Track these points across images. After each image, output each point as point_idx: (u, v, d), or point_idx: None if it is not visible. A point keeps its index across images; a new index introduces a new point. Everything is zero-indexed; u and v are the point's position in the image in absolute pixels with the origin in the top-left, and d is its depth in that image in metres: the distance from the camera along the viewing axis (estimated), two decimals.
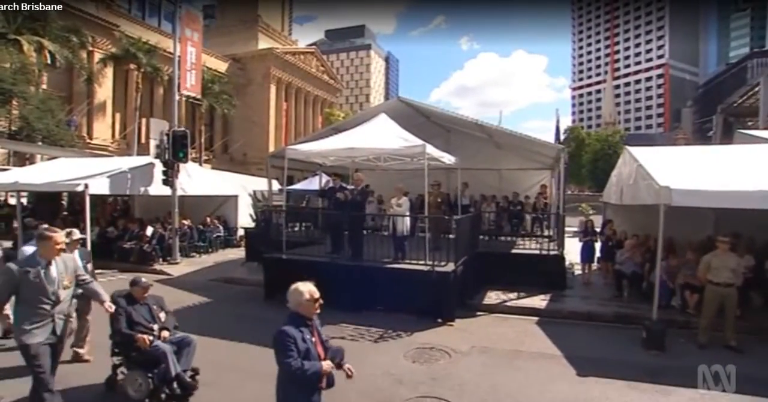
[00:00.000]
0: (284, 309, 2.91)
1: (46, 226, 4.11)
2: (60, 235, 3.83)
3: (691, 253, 7.81)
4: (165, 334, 4.51)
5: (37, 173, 13.18)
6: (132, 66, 35.17)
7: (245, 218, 15.90)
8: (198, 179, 13.28)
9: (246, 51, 46.76)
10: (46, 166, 14.38)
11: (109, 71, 34.97)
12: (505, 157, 14.54)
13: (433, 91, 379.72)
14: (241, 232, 14.78)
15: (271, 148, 48.61)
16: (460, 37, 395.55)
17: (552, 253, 9.84)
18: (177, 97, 12.12)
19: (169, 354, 4.25)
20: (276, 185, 22.51)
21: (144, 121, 37.44)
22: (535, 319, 7.66)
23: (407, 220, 7.81)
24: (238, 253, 13.34)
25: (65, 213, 17.62)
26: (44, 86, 27.51)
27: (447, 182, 13.50)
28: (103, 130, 35.44)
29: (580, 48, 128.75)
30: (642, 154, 8.35)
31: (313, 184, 18.33)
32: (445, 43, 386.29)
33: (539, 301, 8.46)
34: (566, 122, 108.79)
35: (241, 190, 15.79)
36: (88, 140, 32.94)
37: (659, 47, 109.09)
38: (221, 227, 14.07)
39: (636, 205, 8.40)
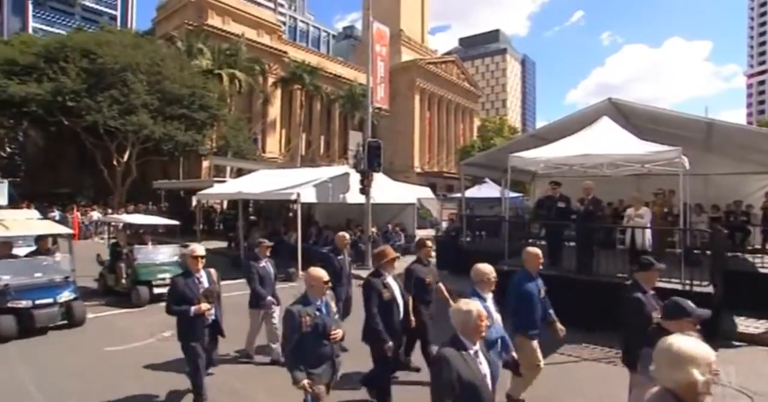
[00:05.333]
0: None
1: None
2: None
3: None
4: None
5: (250, 184, 15.28)
6: (296, 86, 39.50)
7: None
8: (383, 188, 13.99)
9: (391, 64, 48.95)
10: (255, 178, 16.58)
11: (278, 92, 39.87)
12: (711, 160, 12.59)
13: (570, 92, 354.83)
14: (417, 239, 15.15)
15: (416, 157, 50.05)
16: (601, 32, 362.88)
17: None
18: (371, 110, 12.92)
19: None
20: (430, 193, 22.92)
21: (304, 134, 41.81)
22: None
23: (648, 232, 7.06)
24: None
25: (253, 218, 20.08)
26: (232, 110, 32.43)
27: (646, 189, 12.20)
28: (273, 144, 40.30)
29: (762, 24, 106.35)
30: None
31: (481, 192, 18.17)
32: (583, 41, 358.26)
33: None
34: (737, 117, 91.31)
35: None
36: (262, 153, 37.61)
37: None
38: (402, 234, 14.62)
39: None
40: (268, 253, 5.62)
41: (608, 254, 7.82)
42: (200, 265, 4.20)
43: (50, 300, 6.43)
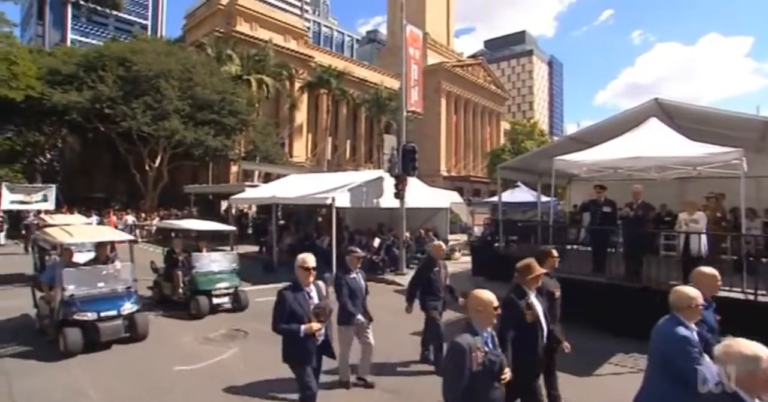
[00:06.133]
0: None
1: None
2: None
3: None
4: None
5: (283, 188, 15.30)
6: (322, 91, 39.75)
7: None
8: (417, 192, 13.79)
9: None
10: (287, 182, 16.65)
11: (304, 97, 40.21)
12: (764, 161, 11.91)
13: (598, 93, 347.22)
14: (450, 243, 14.87)
15: (443, 161, 49.61)
16: (632, 31, 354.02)
17: None
18: (405, 114, 12.79)
19: None
20: (459, 198, 22.62)
21: (330, 139, 41.97)
22: None
23: (704, 238, 6.65)
24: (453, 266, 13.33)
25: (282, 222, 20.10)
26: (260, 115, 32.83)
27: (692, 193, 11.62)
28: (299, 148, 40.60)
29: None
30: None
31: (513, 196, 17.74)
32: (612, 40, 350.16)
33: None
34: None
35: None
36: (289, 158, 37.93)
37: None
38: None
39: None
40: (359, 265, 5.17)
41: (656, 261, 7.42)
42: (311, 278, 3.80)
43: (114, 312, 6.10)
